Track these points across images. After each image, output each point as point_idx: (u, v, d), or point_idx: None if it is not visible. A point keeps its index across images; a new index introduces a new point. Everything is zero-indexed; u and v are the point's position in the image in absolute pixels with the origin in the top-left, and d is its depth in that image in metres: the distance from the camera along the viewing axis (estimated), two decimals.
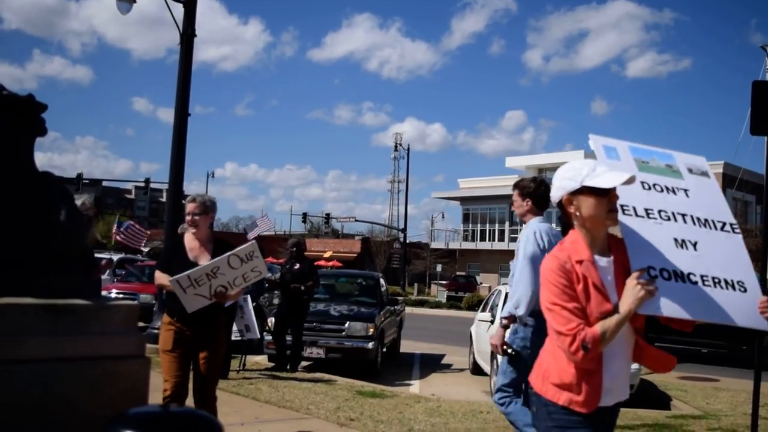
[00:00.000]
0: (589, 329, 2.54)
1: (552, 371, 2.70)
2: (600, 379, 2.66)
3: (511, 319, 5.18)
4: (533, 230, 5.25)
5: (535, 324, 4.98)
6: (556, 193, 2.82)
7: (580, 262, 2.66)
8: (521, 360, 5.17)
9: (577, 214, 2.73)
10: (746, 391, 7.31)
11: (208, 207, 5.12)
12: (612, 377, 2.71)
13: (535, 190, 5.42)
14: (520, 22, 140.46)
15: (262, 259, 5.00)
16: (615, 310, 2.57)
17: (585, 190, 2.68)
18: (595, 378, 2.65)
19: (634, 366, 9.79)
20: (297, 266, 10.84)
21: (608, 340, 2.55)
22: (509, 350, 5.23)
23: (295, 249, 11.06)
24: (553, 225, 5.23)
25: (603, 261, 2.72)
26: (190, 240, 5.14)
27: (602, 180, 2.66)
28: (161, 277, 4.99)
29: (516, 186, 5.57)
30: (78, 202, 4.54)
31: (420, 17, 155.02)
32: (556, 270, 2.65)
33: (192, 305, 4.73)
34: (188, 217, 5.07)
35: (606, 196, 2.68)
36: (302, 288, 10.59)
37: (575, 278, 2.63)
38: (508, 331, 5.25)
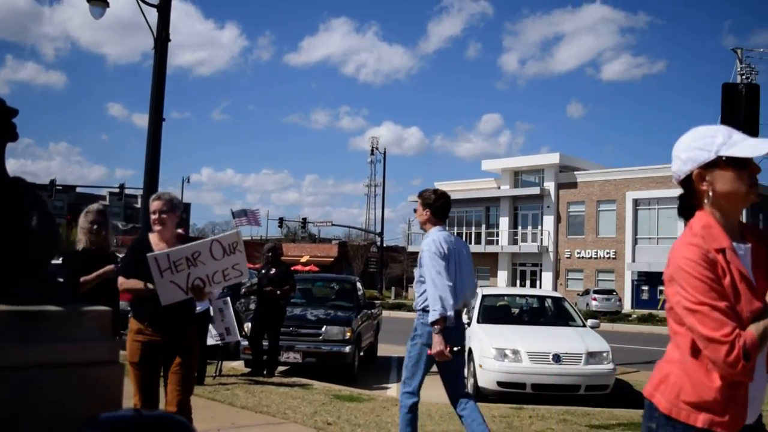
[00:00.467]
0: (746, 333, 2.08)
1: (686, 387, 2.24)
2: (746, 394, 2.20)
3: (441, 321, 5.32)
4: (433, 239, 5.58)
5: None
6: (684, 167, 2.35)
7: (721, 250, 2.20)
8: (428, 359, 5.55)
9: (711, 191, 2.27)
10: None
11: (174, 204, 4.97)
12: (756, 389, 2.24)
13: (435, 201, 5.76)
14: (496, 26, 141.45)
15: (245, 256, 4.76)
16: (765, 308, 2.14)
17: (721, 162, 2.24)
18: (742, 393, 2.19)
19: (610, 366, 9.90)
20: (273, 271, 10.84)
21: (764, 346, 2.10)
22: (454, 349, 5.46)
23: (270, 254, 11.05)
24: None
25: (741, 249, 2.27)
26: (156, 240, 4.91)
27: (743, 148, 2.22)
28: (126, 282, 4.76)
29: (419, 196, 5.89)
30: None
31: (397, 21, 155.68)
32: (698, 260, 2.17)
33: (166, 296, 4.46)
34: (154, 216, 4.90)
35: (746, 169, 2.23)
36: (278, 292, 10.58)
37: (720, 271, 2.17)
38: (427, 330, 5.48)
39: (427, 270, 5.43)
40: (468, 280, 5.80)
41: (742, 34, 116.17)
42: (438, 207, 5.71)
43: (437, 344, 5.32)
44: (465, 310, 6.39)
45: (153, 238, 4.96)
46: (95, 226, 5.98)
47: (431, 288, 5.37)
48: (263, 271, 11.03)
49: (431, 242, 5.53)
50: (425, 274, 5.48)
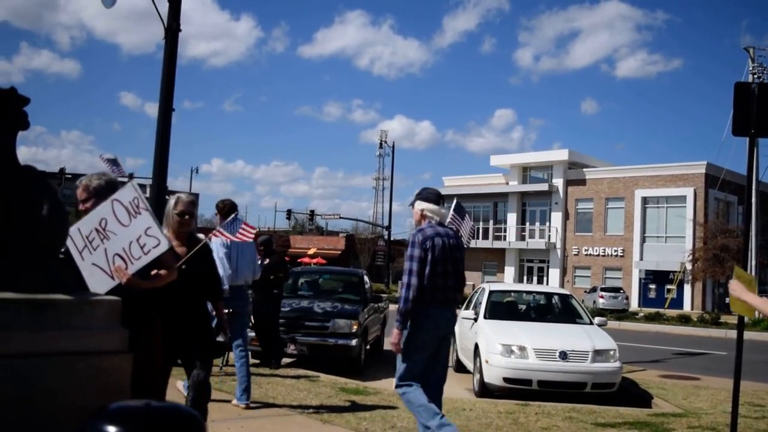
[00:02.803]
0: None
1: None
2: None
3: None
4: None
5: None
6: None
7: None
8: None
9: None
10: (726, 390, 7.38)
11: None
12: None
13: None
14: (512, 21, 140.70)
15: (153, 217, 4.23)
16: None
17: None
18: None
19: (616, 364, 9.88)
20: (266, 261, 10.99)
21: None
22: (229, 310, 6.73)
23: (263, 246, 11.20)
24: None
25: None
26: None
27: None
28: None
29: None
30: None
31: (412, 15, 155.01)
32: None
33: (94, 282, 3.96)
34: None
35: None
36: (271, 277, 10.71)
37: None
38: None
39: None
40: (248, 263, 8.14)
41: (759, 34, 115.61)
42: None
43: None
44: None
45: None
46: (186, 217, 5.42)
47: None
48: (259, 262, 11.19)
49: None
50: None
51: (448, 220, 8.59)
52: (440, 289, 5.66)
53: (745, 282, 4.37)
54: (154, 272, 4.41)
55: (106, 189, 4.31)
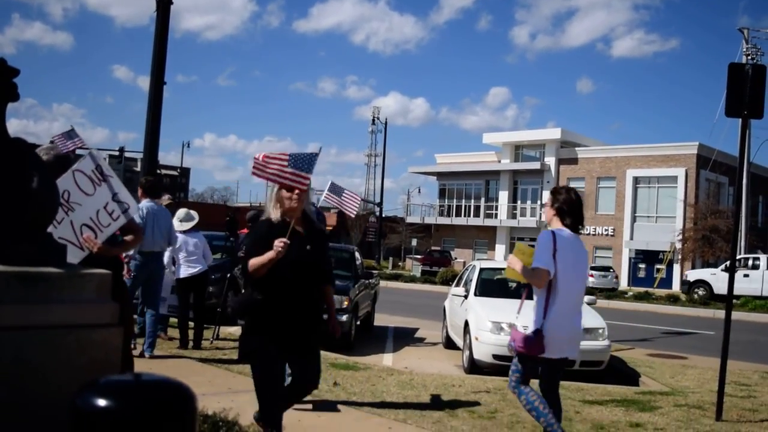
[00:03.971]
0: None
1: None
2: None
3: None
4: None
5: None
6: None
7: None
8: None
9: None
10: (713, 369, 7.45)
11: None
12: None
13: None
14: None
15: (120, 182, 4.22)
16: None
17: None
18: None
19: (605, 343, 9.94)
20: None
21: None
22: None
23: (251, 222, 11.21)
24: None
25: None
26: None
27: None
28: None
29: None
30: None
31: None
32: None
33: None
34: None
35: None
36: None
37: None
38: None
39: None
40: (162, 231, 8.64)
41: (757, 15, 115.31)
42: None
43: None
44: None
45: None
46: (296, 192, 4.88)
47: None
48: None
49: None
50: None
51: (323, 198, 10.06)
52: None
53: (525, 255, 5.34)
54: (122, 238, 4.41)
55: (55, 164, 4.22)
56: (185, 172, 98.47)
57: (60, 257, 3.44)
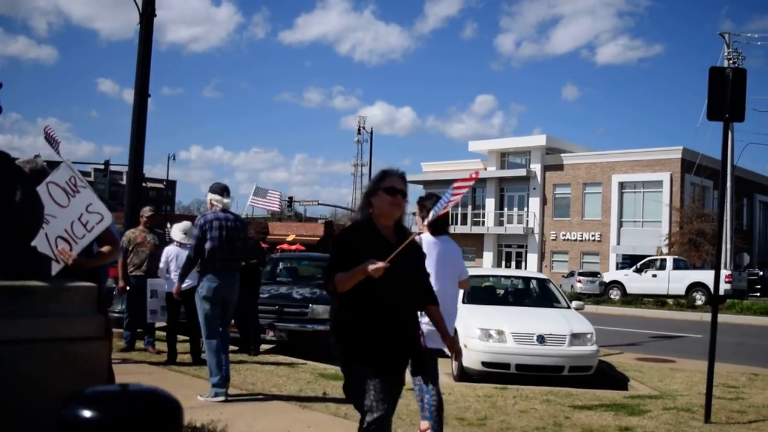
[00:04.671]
0: None
1: None
2: None
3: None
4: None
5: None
6: None
7: None
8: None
9: None
10: (701, 372, 7.48)
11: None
12: None
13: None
14: (493, 7, 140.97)
15: (93, 193, 4.17)
16: None
17: None
18: None
19: (593, 348, 9.97)
20: None
21: None
22: None
23: None
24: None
25: None
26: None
27: None
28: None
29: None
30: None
31: (394, 0, 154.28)
32: None
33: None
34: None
35: None
36: (242, 263, 10.72)
37: None
38: None
39: None
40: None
41: (740, 20, 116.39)
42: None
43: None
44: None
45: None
46: (397, 196, 4.05)
47: None
48: None
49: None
50: None
51: (249, 202, 11.14)
52: (218, 259, 7.29)
53: None
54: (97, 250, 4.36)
55: (31, 177, 4.09)
56: (171, 185, 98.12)
57: (45, 270, 3.43)
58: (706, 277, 29.00)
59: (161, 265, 9.44)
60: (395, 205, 3.99)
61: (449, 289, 5.81)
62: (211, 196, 7.61)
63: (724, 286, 27.36)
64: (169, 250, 9.59)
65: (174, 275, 9.61)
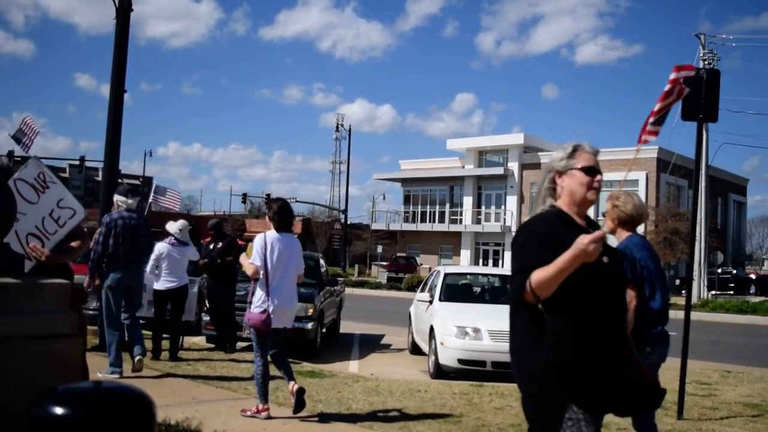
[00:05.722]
0: None
1: None
2: None
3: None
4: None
5: None
6: None
7: None
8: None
9: None
10: (674, 369, 7.56)
11: None
12: None
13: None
14: (475, 5, 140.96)
15: (64, 188, 4.15)
16: None
17: None
18: None
19: None
20: (219, 245, 11.06)
21: None
22: None
23: (213, 231, 11.26)
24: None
25: None
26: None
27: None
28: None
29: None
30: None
31: None
32: None
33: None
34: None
35: None
36: (218, 261, 10.82)
37: None
38: None
39: None
40: None
41: (718, 22, 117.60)
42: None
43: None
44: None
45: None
46: (597, 176, 3.11)
47: None
48: (210, 246, 11.20)
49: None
50: None
51: (150, 199, 11.85)
52: (122, 253, 8.01)
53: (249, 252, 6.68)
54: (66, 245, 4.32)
55: None
56: (148, 181, 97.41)
57: (18, 268, 3.41)
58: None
59: (150, 262, 9.35)
60: (594, 189, 3.04)
61: (292, 282, 6.81)
62: (117, 197, 8.37)
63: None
64: (161, 248, 9.53)
65: (165, 274, 9.57)
